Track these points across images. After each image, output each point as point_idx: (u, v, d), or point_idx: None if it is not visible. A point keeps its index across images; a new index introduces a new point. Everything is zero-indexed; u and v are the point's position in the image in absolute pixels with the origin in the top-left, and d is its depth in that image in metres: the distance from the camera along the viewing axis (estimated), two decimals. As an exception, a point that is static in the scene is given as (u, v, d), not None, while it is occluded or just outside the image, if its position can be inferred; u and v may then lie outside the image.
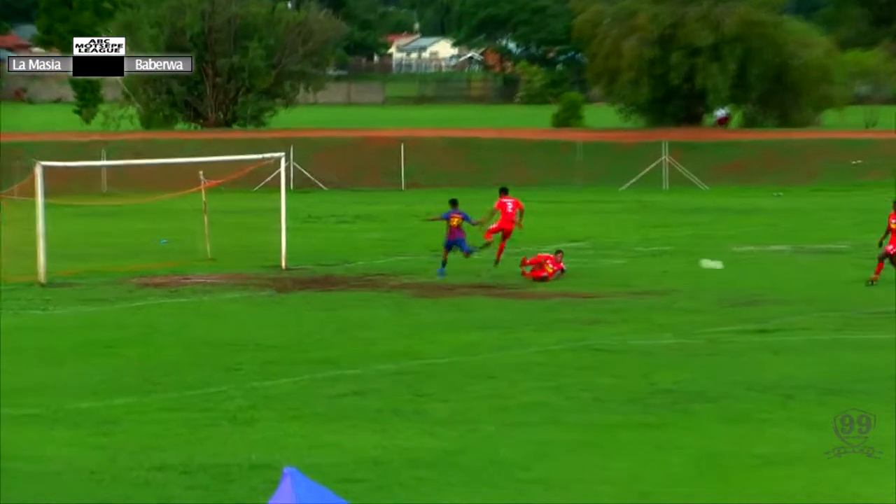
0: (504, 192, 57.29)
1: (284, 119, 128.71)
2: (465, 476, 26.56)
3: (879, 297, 48.39)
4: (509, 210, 55.79)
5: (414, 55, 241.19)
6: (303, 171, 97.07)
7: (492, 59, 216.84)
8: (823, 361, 37.52)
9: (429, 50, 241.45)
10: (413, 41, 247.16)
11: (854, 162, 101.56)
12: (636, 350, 39.49)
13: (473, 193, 75.70)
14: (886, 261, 50.33)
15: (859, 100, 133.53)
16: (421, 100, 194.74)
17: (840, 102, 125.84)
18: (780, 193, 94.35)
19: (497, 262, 55.15)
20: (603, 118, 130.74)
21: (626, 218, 79.89)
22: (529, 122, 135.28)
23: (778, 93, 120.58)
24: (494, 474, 26.65)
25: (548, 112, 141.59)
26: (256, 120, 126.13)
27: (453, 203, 55.36)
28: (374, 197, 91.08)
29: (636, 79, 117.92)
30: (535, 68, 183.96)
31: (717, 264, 56.17)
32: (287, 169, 64.12)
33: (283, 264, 56.99)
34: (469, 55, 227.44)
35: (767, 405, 32.28)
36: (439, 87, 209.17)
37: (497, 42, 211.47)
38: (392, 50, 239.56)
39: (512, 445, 28.78)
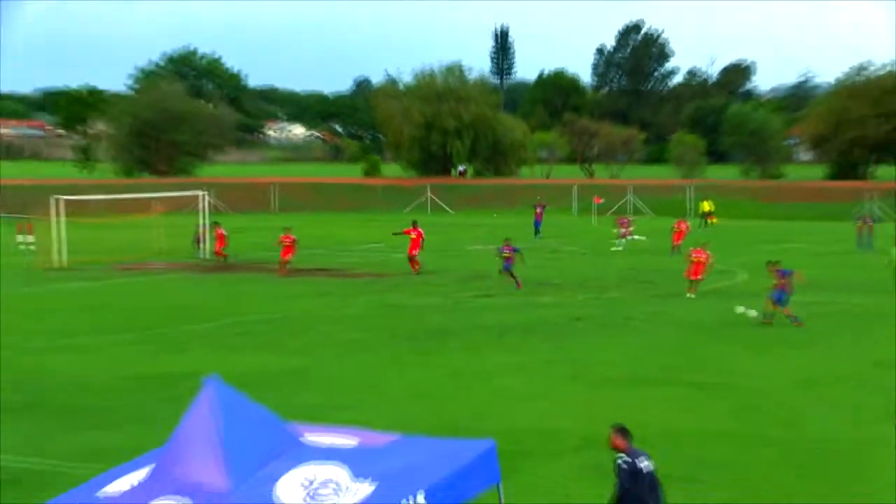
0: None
1: (208, 170, 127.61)
2: (312, 382, 26.72)
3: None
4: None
5: (283, 134, 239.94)
6: (218, 203, 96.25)
7: (327, 136, 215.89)
8: (522, 313, 37.93)
9: (290, 130, 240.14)
10: (280, 125, 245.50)
11: (537, 198, 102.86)
12: (414, 307, 39.63)
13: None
14: None
15: (543, 160, 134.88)
16: (284, 160, 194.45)
17: (531, 162, 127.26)
18: (496, 214, 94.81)
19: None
20: (394, 171, 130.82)
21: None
22: (351, 173, 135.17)
23: (494, 156, 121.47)
24: (329, 381, 26.85)
25: (358, 167, 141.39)
26: (184, 171, 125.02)
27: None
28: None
29: (410, 146, 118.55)
30: (353, 142, 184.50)
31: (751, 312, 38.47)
32: (206, 202, 63.37)
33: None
34: (313, 133, 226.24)
35: (488, 339, 32.40)
36: (296, 153, 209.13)
37: (330, 125, 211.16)
38: (269, 130, 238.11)
39: (340, 365, 28.95)
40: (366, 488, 9.43)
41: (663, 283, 45.67)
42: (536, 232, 71.68)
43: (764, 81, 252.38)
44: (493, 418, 22.77)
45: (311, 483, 9.46)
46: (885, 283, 44.47)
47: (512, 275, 44.55)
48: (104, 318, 36.61)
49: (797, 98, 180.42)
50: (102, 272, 50.70)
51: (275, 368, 28.13)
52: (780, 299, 35.04)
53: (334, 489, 9.41)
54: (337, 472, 9.61)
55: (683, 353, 30.08)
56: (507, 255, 44.71)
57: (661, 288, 44.19)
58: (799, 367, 27.97)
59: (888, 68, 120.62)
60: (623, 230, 67.34)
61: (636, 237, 67.32)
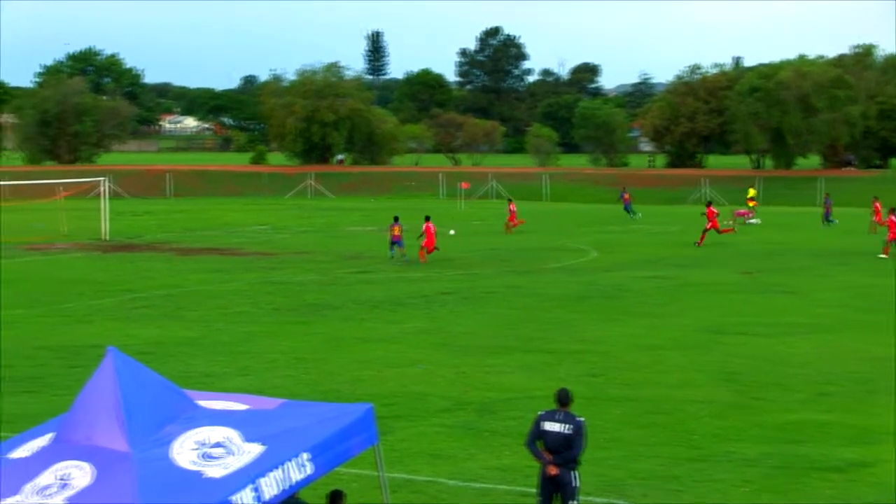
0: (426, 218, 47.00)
1: (108, 159, 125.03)
2: (206, 351, 26.51)
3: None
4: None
5: (177, 126, 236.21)
6: (118, 189, 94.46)
7: (217, 128, 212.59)
8: (394, 288, 37.91)
9: (183, 122, 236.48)
10: (175, 117, 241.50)
11: (408, 184, 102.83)
12: (296, 282, 39.47)
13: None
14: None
15: (412, 150, 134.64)
16: (178, 149, 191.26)
17: (401, 152, 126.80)
18: (373, 199, 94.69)
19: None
20: (279, 160, 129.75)
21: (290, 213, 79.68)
22: (239, 161, 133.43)
23: (369, 146, 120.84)
24: (222, 349, 26.65)
25: (246, 156, 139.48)
26: (90, 160, 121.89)
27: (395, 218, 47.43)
28: (162, 202, 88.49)
29: (293, 137, 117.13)
30: (241, 133, 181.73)
31: (452, 232, 57.66)
32: (107, 187, 62.25)
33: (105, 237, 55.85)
34: (204, 125, 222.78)
35: (363, 311, 32.60)
36: (189, 143, 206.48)
37: (219, 119, 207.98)
38: (164, 122, 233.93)
39: (231, 334, 28.75)
40: (256, 449, 9.36)
41: (519, 261, 46.01)
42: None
43: (608, 81, 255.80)
44: (369, 383, 22.78)
45: (205, 444, 9.36)
46: (717, 259, 45.45)
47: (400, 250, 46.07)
48: (17, 294, 35.83)
49: (639, 95, 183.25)
50: (13, 252, 49.59)
51: (171, 339, 27.85)
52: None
53: (226, 450, 9.33)
54: (229, 434, 9.52)
55: (538, 322, 30.37)
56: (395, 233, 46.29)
57: (518, 265, 44.55)
58: (639, 335, 28.42)
59: (717, 68, 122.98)
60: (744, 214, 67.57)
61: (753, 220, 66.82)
